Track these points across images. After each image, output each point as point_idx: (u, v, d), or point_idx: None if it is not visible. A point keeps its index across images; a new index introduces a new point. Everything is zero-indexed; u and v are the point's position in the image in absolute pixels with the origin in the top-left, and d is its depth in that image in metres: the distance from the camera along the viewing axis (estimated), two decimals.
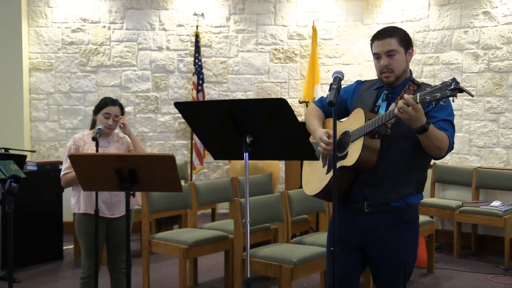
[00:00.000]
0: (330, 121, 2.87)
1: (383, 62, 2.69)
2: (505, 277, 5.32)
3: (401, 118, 2.46)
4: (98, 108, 3.89)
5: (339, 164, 2.65)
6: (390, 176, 2.67)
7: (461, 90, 2.36)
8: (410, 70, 2.80)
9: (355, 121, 2.71)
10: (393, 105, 2.66)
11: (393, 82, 2.72)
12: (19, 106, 7.09)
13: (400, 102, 2.45)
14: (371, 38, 2.80)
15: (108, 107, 3.85)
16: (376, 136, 2.62)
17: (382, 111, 2.71)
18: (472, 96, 2.60)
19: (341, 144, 2.73)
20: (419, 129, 2.48)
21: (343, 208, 2.75)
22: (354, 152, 2.63)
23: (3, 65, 6.97)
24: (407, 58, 2.74)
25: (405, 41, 2.73)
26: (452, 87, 2.35)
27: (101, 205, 3.75)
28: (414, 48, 2.80)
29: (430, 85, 2.66)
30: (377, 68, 2.74)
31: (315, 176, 2.87)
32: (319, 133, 2.78)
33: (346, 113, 2.90)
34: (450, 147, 2.63)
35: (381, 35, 2.73)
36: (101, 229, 3.78)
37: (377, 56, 2.73)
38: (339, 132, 2.75)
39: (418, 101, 2.42)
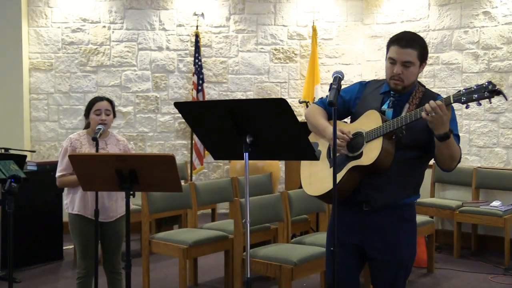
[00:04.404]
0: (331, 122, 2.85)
1: (397, 70, 2.64)
2: (505, 277, 5.31)
3: (429, 120, 2.43)
4: (87, 109, 3.89)
5: (352, 164, 2.64)
6: (392, 181, 2.67)
7: (499, 93, 2.33)
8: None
9: (368, 122, 2.68)
10: (405, 110, 2.65)
11: (400, 90, 2.70)
12: (19, 106, 7.09)
13: (432, 103, 2.41)
14: (390, 39, 2.70)
15: (96, 104, 3.86)
16: (393, 137, 2.61)
17: (388, 117, 2.68)
18: (507, 99, 2.54)
19: (352, 144, 2.69)
20: (443, 135, 2.45)
21: (341, 208, 2.73)
22: (371, 152, 2.60)
23: (3, 65, 6.97)
24: (419, 70, 2.70)
25: (423, 55, 2.68)
26: (490, 88, 2.33)
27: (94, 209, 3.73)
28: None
29: (433, 92, 2.69)
30: (388, 73, 2.69)
31: (320, 177, 2.82)
32: (331, 130, 2.65)
33: (347, 114, 2.87)
34: (460, 160, 2.63)
35: (403, 42, 2.63)
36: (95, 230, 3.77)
37: (392, 61, 2.66)
38: (350, 132, 2.72)
39: (452, 101, 2.41)
